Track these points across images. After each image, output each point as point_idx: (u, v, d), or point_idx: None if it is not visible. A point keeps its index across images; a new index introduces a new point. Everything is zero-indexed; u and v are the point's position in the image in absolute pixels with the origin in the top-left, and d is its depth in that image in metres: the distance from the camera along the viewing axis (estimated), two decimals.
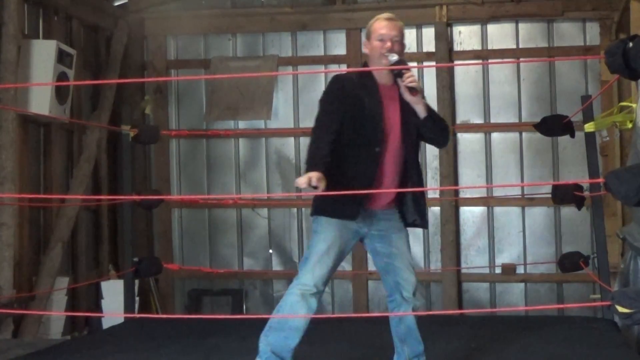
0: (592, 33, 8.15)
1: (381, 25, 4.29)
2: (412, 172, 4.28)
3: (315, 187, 3.86)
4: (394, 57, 4.20)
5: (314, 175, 3.86)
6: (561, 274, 7.21)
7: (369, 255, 8.35)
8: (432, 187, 8.29)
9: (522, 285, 8.22)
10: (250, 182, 8.74)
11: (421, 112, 4.25)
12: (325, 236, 4.18)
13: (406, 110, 4.26)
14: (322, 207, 4.21)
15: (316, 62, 8.64)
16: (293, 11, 8.56)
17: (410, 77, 4.19)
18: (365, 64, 4.36)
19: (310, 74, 8.61)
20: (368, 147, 4.16)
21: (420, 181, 4.32)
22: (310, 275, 4.11)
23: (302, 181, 3.87)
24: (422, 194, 4.35)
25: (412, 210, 4.29)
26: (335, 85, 4.23)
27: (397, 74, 4.19)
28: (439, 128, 4.35)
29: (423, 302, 8.30)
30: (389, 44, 4.22)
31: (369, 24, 4.34)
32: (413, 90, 4.19)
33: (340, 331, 5.94)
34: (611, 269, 6.26)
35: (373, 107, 4.22)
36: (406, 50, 9.36)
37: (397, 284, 4.25)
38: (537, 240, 8.22)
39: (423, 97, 4.26)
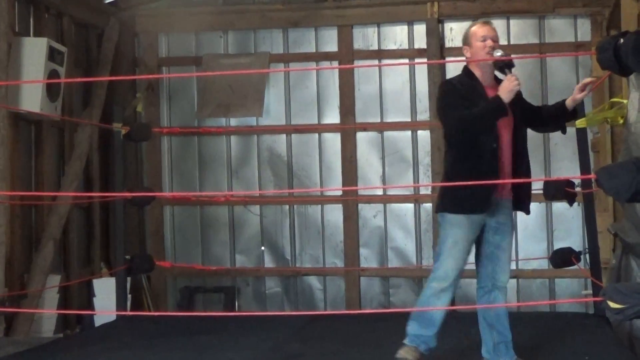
0: (583, 29, 8.15)
1: (480, 28, 4.63)
2: (522, 161, 4.61)
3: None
4: (499, 52, 4.53)
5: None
6: (553, 270, 7.24)
7: (361, 252, 8.44)
8: (426, 184, 8.32)
9: (513, 281, 8.21)
10: (242, 179, 8.73)
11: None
12: (453, 232, 4.50)
13: (512, 105, 4.54)
14: (451, 203, 4.51)
15: (308, 59, 8.63)
16: (284, 8, 8.55)
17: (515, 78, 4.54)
18: (467, 70, 4.62)
19: (301, 71, 8.62)
20: (487, 145, 4.46)
21: (529, 169, 4.68)
22: (442, 269, 4.50)
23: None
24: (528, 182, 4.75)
25: (523, 196, 4.65)
26: (450, 87, 4.58)
27: (502, 68, 4.53)
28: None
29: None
30: (490, 42, 4.55)
31: (466, 31, 4.67)
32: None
33: (332, 328, 5.94)
34: (603, 265, 6.27)
35: None
36: (397, 47, 9.30)
37: (495, 272, 4.62)
38: (528, 236, 8.21)
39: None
